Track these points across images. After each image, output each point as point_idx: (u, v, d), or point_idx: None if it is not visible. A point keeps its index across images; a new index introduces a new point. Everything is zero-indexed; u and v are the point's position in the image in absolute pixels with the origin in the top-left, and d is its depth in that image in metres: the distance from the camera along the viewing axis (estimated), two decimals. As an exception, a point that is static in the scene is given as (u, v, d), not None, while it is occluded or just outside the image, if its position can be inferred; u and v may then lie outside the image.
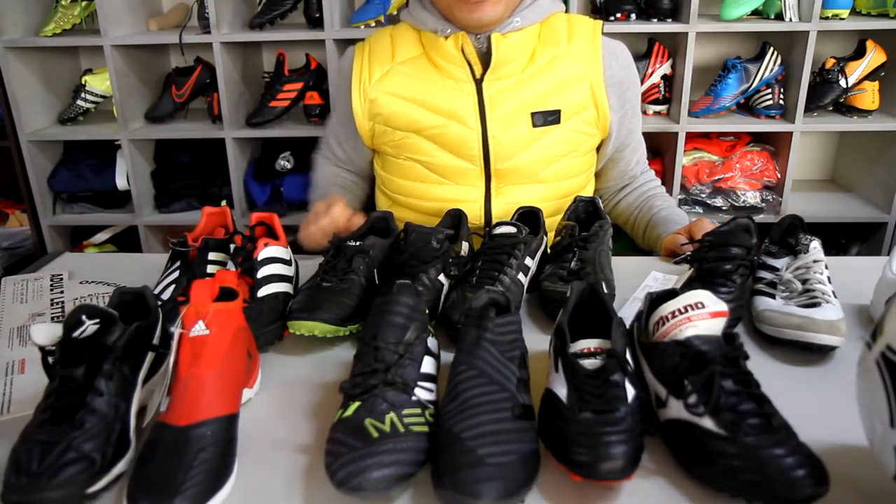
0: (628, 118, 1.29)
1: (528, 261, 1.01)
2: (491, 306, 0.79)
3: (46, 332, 0.73)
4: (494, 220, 1.24)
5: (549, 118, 1.18)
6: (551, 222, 1.21)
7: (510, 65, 1.17)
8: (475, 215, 1.25)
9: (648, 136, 2.56)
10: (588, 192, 1.36)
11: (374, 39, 1.26)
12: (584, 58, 1.19)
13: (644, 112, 2.40)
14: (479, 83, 1.17)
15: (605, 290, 0.95)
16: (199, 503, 0.64)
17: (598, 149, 1.32)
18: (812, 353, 0.89)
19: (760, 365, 0.87)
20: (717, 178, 2.35)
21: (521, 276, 0.99)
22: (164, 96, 2.42)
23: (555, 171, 1.23)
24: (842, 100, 2.30)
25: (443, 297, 0.99)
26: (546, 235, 1.10)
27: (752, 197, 2.34)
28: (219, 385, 0.71)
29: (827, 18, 2.16)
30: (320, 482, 0.69)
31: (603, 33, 1.24)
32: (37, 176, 2.42)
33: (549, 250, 1.09)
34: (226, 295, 0.79)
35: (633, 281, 1.09)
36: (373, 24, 2.22)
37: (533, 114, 1.18)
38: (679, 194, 2.35)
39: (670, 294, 0.78)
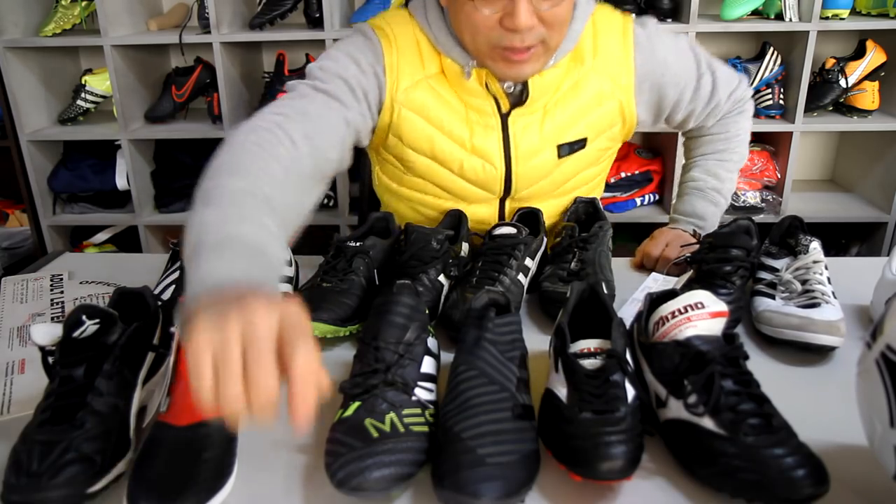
0: (670, 98, 1.14)
1: (528, 261, 1.01)
2: (491, 306, 0.79)
3: (46, 332, 0.73)
4: None
5: (575, 147, 1.11)
6: (556, 223, 1.18)
7: (540, 100, 1.08)
8: (485, 226, 1.15)
9: (649, 136, 2.58)
10: (599, 190, 1.30)
11: (401, 39, 1.06)
12: (611, 69, 1.09)
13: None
14: (504, 117, 1.08)
15: (605, 291, 0.95)
16: (200, 503, 0.64)
17: None
18: (812, 354, 0.89)
19: (760, 365, 0.87)
20: (717, 178, 2.34)
21: (521, 276, 0.99)
22: (164, 96, 2.42)
23: (570, 185, 1.19)
24: (842, 100, 2.30)
25: (443, 297, 0.99)
26: (545, 235, 1.10)
27: (752, 197, 2.34)
28: (219, 385, 0.71)
29: (827, 18, 2.16)
30: (320, 482, 0.69)
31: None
32: (37, 176, 2.42)
33: (548, 251, 1.09)
34: (226, 295, 0.79)
35: (633, 281, 1.09)
36: (373, 24, 2.22)
37: (559, 146, 1.10)
38: (679, 194, 2.35)
39: (670, 294, 0.78)
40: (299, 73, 2.33)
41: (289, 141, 0.89)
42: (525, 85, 1.04)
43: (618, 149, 1.25)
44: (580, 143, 1.11)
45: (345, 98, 1.01)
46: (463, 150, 1.09)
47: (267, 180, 0.80)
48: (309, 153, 0.91)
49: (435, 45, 1.06)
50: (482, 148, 1.08)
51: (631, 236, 2.25)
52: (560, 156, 1.11)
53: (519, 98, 1.07)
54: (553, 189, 1.17)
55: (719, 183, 1.26)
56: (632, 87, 1.10)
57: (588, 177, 1.21)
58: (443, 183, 1.14)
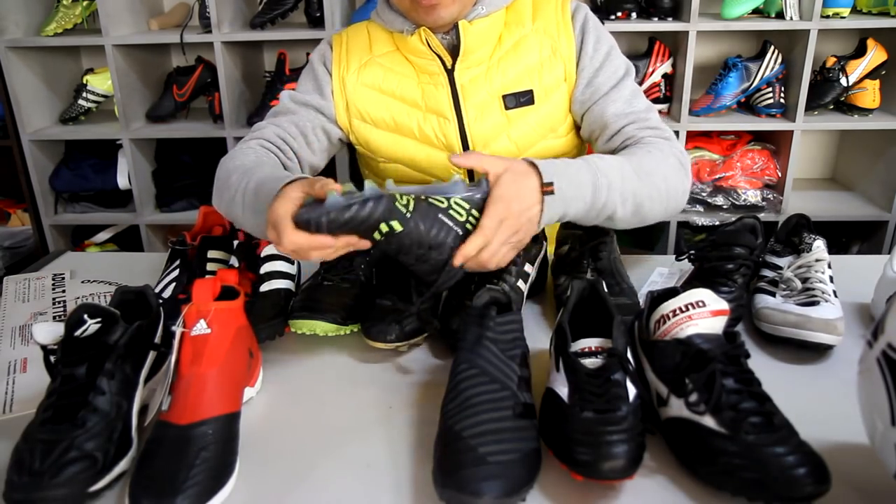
0: (587, 72, 1.14)
1: (527, 267, 1.00)
2: (492, 305, 0.79)
3: (48, 331, 0.73)
4: None
5: (521, 99, 1.15)
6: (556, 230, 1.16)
7: (479, 52, 1.15)
8: None
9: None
10: None
11: (352, 32, 1.24)
12: (551, 35, 1.16)
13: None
14: (450, 74, 1.15)
15: (629, 300, 0.95)
16: (201, 502, 0.64)
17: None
18: (811, 352, 0.88)
19: (761, 363, 0.87)
20: (717, 176, 2.34)
21: (520, 283, 0.98)
22: (165, 96, 2.43)
23: (533, 155, 1.17)
24: (842, 98, 2.30)
25: (442, 302, 0.99)
26: (545, 241, 1.09)
27: (752, 195, 2.34)
28: (220, 384, 0.71)
29: (828, 17, 2.16)
30: (320, 482, 0.69)
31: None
32: (38, 175, 2.42)
33: (552, 257, 1.08)
34: (227, 294, 0.80)
35: (635, 278, 1.09)
36: (373, 24, 2.22)
37: (504, 96, 1.15)
38: (680, 193, 2.35)
39: (671, 292, 0.78)
40: (300, 72, 2.33)
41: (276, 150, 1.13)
42: (457, 35, 1.12)
43: (577, 144, 1.23)
44: (526, 96, 1.15)
45: (313, 101, 1.20)
46: (418, 111, 1.17)
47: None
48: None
49: (384, 26, 1.19)
50: (435, 105, 1.16)
51: (632, 241, 2.25)
52: (507, 107, 1.16)
53: (456, 49, 1.14)
54: (513, 156, 1.12)
55: (611, 165, 0.99)
56: (573, 56, 1.15)
57: (551, 148, 1.19)
58: (408, 156, 1.20)
